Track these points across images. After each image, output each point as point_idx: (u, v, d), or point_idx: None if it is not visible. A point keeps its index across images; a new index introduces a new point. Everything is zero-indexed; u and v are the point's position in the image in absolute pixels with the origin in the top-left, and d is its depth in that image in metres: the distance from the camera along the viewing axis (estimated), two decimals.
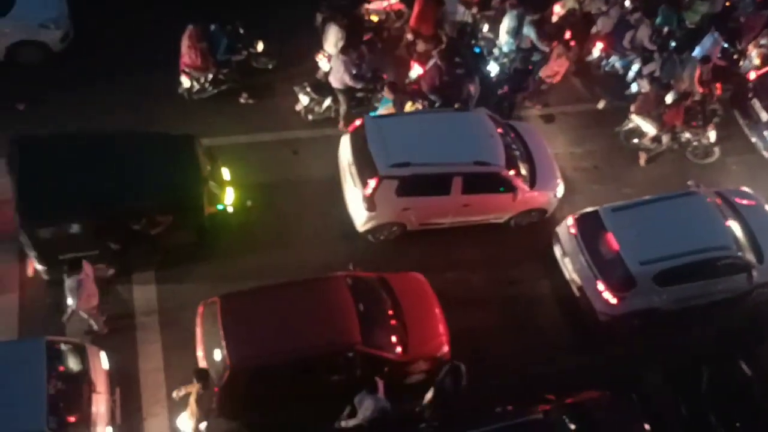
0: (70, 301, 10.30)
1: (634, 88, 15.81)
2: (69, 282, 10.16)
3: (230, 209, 12.01)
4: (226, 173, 12.22)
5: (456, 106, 13.72)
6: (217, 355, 10.06)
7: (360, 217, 12.50)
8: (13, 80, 13.85)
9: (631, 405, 11.04)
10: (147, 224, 11.03)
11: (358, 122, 12.93)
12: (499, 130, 13.18)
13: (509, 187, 12.69)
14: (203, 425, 10.04)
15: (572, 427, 10.26)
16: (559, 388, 11.11)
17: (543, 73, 14.92)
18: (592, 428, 10.33)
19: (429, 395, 10.46)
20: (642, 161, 14.87)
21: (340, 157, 13.13)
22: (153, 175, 10.96)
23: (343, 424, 10.26)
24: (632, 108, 14.85)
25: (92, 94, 13.89)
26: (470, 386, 10.50)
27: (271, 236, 12.61)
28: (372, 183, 12.04)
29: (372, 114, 13.65)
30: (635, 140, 14.97)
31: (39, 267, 11.11)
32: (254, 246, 12.42)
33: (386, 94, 13.69)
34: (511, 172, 12.64)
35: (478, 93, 14.32)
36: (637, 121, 14.78)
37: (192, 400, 9.69)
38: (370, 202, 12.16)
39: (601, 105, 15.73)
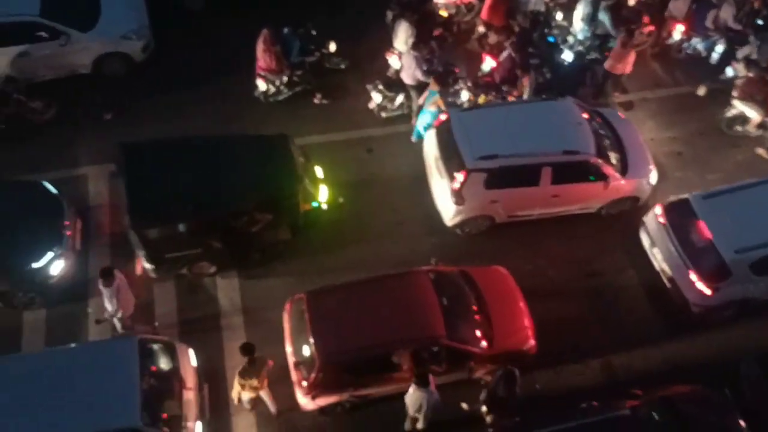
0: (109, 307, 10.65)
1: (729, 72, 14.89)
2: (106, 291, 10.50)
3: (324, 206, 12.19)
4: (319, 171, 12.42)
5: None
6: (306, 350, 10.26)
7: (448, 211, 12.46)
8: (101, 91, 14.52)
9: (725, 400, 10.55)
10: (247, 223, 11.35)
11: (443, 116, 12.90)
12: (587, 118, 12.87)
13: (600, 176, 12.40)
14: (246, 397, 10.31)
15: (661, 423, 9.89)
16: (647, 382, 10.75)
17: (607, 65, 14.37)
18: (682, 424, 9.88)
19: (482, 397, 10.32)
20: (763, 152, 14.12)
21: (426, 151, 13.13)
22: (253, 175, 11.30)
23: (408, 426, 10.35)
24: (734, 93, 14.07)
25: (173, 101, 14.39)
26: (558, 380, 10.33)
27: (353, 232, 12.73)
28: (459, 177, 12.00)
29: (422, 113, 13.66)
30: (738, 128, 14.25)
31: (147, 266, 11.59)
32: (337, 242, 12.57)
33: (432, 86, 13.59)
34: (602, 160, 12.32)
35: (533, 84, 14.01)
36: (740, 107, 14.03)
37: (237, 372, 9.96)
38: (458, 196, 12.12)
39: (701, 92, 14.85)
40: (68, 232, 11.71)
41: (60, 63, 14.23)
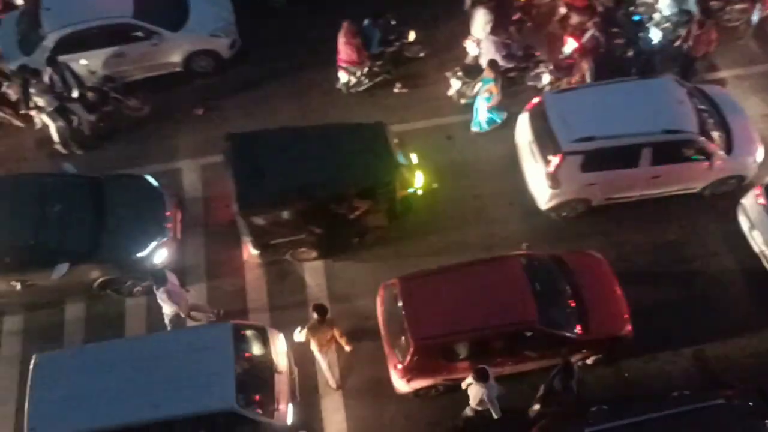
0: (166, 309, 11.13)
1: None
2: (159, 294, 10.95)
3: (419, 192, 12.33)
4: (414, 157, 12.53)
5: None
6: (400, 335, 10.44)
7: (543, 195, 12.37)
8: (192, 88, 15.15)
9: None
10: (347, 209, 11.68)
11: (536, 99, 12.79)
12: (688, 95, 12.44)
13: (703, 154, 12.01)
14: (319, 355, 10.70)
15: (758, 413, 9.55)
16: (743, 374, 10.43)
17: (687, 46, 13.67)
18: None
19: (540, 393, 10.26)
20: None
21: (518, 135, 13.07)
22: (353, 163, 11.56)
23: (469, 412, 10.39)
24: None
25: (259, 95, 14.86)
26: (647, 369, 10.16)
27: (442, 218, 12.81)
28: (555, 160, 11.87)
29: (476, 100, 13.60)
30: None
31: (253, 251, 12.09)
32: (427, 228, 12.68)
33: (486, 73, 13.41)
34: (705, 138, 11.92)
35: (593, 69, 13.60)
36: None
37: (306, 328, 10.39)
38: (554, 180, 12.01)
39: None
40: (169, 223, 12.30)
41: (152, 62, 14.88)
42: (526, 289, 10.47)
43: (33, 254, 11.37)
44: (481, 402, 9.83)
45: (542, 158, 12.14)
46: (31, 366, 10.18)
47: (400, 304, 10.53)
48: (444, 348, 10.32)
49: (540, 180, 12.23)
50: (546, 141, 12.11)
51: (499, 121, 13.90)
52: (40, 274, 11.42)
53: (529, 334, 10.29)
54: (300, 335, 10.56)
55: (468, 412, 10.36)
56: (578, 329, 10.53)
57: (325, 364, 11.03)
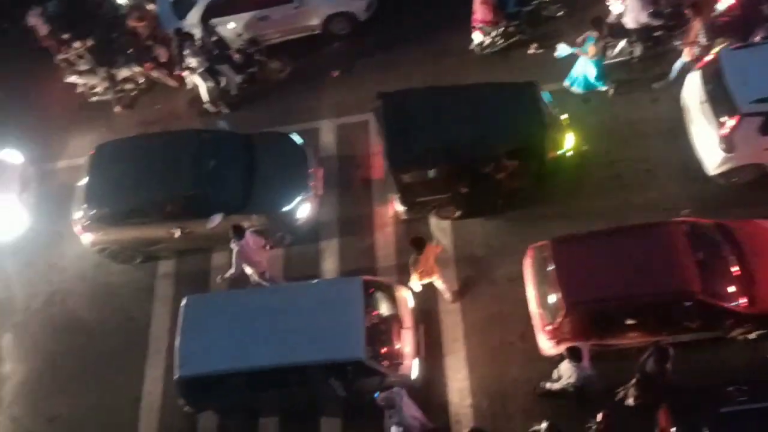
0: (233, 266, 11.55)
1: None
2: (234, 247, 11.38)
3: (569, 154, 12.11)
4: (564, 118, 12.30)
5: None
6: (551, 298, 10.39)
7: (713, 158, 11.76)
8: (329, 51, 15.62)
9: None
10: (494, 169, 11.70)
11: (710, 56, 12.07)
12: None
13: None
14: (417, 284, 11.10)
15: None
16: None
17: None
18: None
19: (634, 380, 9.86)
20: None
21: (685, 95, 12.49)
22: (502, 122, 11.52)
23: (548, 385, 10.21)
24: None
25: (393, 57, 15.07)
26: None
27: (592, 181, 12.51)
28: (731, 122, 11.21)
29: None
30: None
31: (399, 208, 12.44)
32: (572, 190, 12.42)
33: (590, 32, 12.74)
34: None
35: (709, 26, 12.47)
36: None
37: (410, 264, 10.80)
38: (729, 143, 11.35)
39: None
40: (312, 180, 12.88)
41: (293, 24, 15.46)
42: (689, 258, 10.05)
43: (192, 204, 12.25)
44: (568, 378, 9.70)
45: (715, 120, 11.45)
46: (182, 306, 11.11)
47: (552, 266, 10.41)
48: (597, 312, 10.11)
49: (711, 143, 11.56)
50: (720, 101, 11.39)
51: (599, 86, 13.28)
52: (196, 222, 12.30)
53: (688, 304, 9.89)
54: (415, 283, 10.93)
55: (553, 385, 10.20)
56: (743, 302, 10.01)
57: (439, 284, 11.34)
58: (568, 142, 12.01)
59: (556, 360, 10.23)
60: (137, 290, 13.08)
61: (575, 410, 10.02)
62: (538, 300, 10.66)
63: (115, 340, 12.50)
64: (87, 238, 12.86)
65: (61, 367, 12.44)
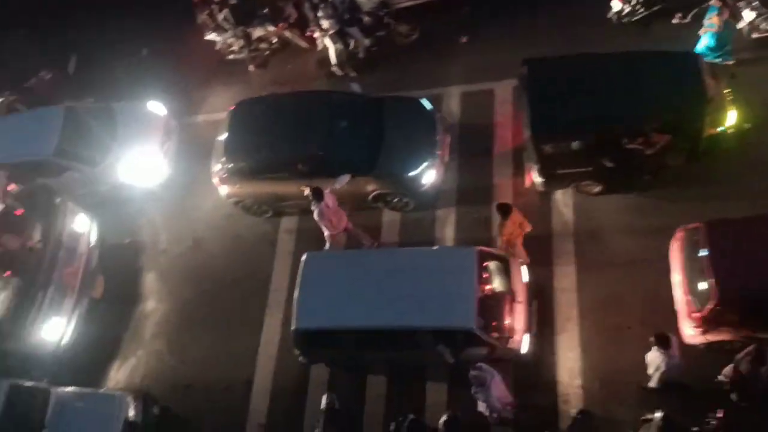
0: (323, 228, 11.70)
1: None
2: (314, 208, 11.42)
3: (730, 132, 11.34)
4: (728, 93, 11.44)
5: None
6: (701, 283, 9.89)
7: None
8: (458, 15, 15.33)
9: None
10: (643, 143, 11.09)
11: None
12: None
13: None
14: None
15: None
16: None
17: None
18: None
19: (725, 371, 9.27)
20: None
21: None
22: (655, 94, 10.87)
23: (650, 384, 9.75)
24: None
25: (523, 24, 14.65)
26: None
27: (753, 162, 11.64)
28: None
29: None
30: None
31: (537, 179, 12.00)
32: (727, 171, 11.63)
33: (714, 2, 11.68)
34: None
35: None
36: None
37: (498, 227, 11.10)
38: None
39: None
40: (439, 146, 12.85)
41: None
42: None
43: (322, 164, 12.59)
44: (657, 368, 9.32)
45: None
46: (302, 262, 11.53)
47: (705, 251, 9.87)
48: (753, 303, 9.49)
49: None
50: None
51: (717, 61, 12.10)
52: (325, 181, 12.52)
53: None
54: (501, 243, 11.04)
55: (651, 381, 9.77)
56: None
57: (519, 251, 11.24)
58: (730, 119, 11.16)
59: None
60: (262, 243, 13.71)
61: (692, 403, 9.65)
62: (685, 285, 10.13)
63: (238, 289, 13.22)
64: (224, 190, 13.56)
65: (190, 311, 13.33)
